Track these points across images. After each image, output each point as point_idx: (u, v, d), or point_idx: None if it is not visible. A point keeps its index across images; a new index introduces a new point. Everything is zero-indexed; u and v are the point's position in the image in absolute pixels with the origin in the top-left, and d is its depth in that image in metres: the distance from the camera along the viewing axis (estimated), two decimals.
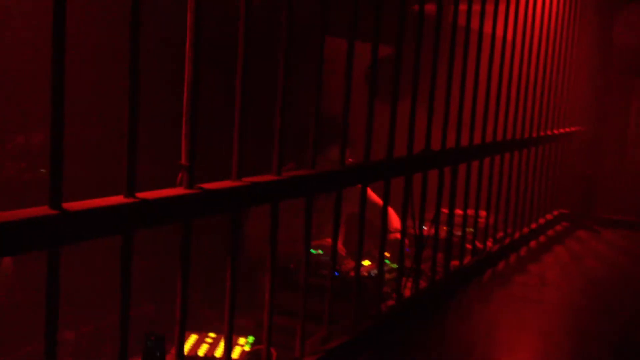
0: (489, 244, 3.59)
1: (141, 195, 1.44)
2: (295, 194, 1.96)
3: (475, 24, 3.09)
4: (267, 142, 2.00)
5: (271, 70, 1.92)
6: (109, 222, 1.36)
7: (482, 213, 3.54)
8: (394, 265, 2.76)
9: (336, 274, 2.89)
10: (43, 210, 1.25)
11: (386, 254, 3.01)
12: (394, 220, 3.34)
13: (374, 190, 3.02)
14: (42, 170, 3.55)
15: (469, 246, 3.35)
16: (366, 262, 2.95)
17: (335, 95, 2.27)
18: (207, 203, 1.59)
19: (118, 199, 1.40)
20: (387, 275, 2.83)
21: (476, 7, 3.06)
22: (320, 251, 2.95)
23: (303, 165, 2.10)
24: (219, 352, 2.20)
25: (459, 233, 3.22)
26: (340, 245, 3.37)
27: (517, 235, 3.90)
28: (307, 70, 2.10)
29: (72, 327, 3.43)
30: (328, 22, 2.04)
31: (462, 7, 2.96)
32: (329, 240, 3.08)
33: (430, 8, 2.73)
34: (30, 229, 1.22)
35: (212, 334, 2.37)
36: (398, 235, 3.06)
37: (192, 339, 2.37)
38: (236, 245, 1.74)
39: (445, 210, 3.07)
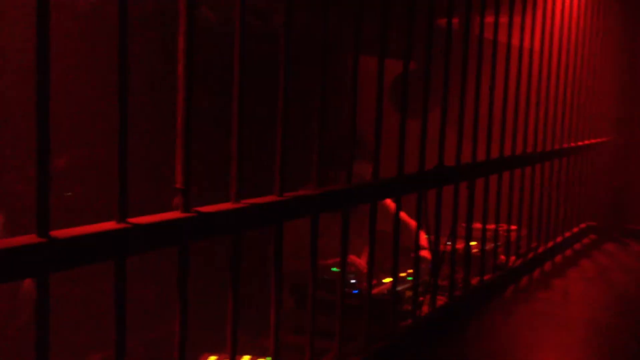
0: (512, 259, 3.53)
1: (133, 220, 1.43)
2: (299, 214, 1.94)
3: (489, 34, 3.06)
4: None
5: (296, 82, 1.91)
6: (99, 249, 1.36)
7: (504, 227, 3.49)
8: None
9: (356, 291, 2.87)
10: (30, 238, 1.25)
11: (409, 271, 2.99)
12: (421, 237, 3.31)
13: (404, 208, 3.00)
14: (69, 193, 3.60)
15: (491, 261, 3.30)
16: (387, 279, 2.92)
17: (361, 111, 2.26)
18: (203, 226, 1.58)
19: (110, 225, 1.40)
20: (408, 293, 2.79)
21: (489, 19, 3.03)
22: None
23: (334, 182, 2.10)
24: None
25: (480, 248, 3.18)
26: (363, 264, 3.34)
27: (541, 249, 3.83)
28: (332, 86, 2.09)
29: (98, 349, 3.45)
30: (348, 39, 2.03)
31: (478, 19, 2.94)
32: (352, 257, 3.07)
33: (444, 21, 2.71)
34: (17, 258, 1.22)
35: None
36: (423, 253, 3.03)
37: None
38: (238, 267, 1.73)
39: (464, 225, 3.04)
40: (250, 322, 2.52)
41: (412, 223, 3.38)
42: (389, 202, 3.33)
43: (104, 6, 3.14)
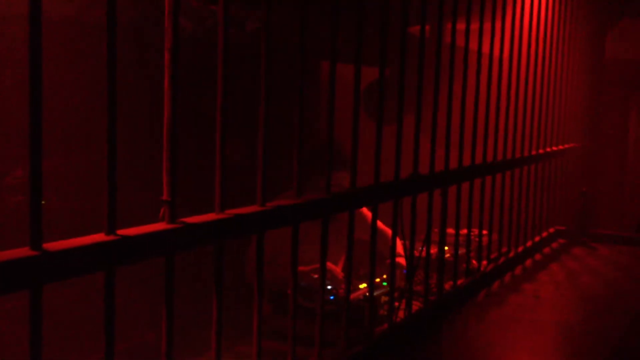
0: (484, 263, 3.60)
1: (122, 232, 1.46)
2: (281, 223, 1.99)
3: (461, 41, 3.13)
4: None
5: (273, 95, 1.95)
6: (90, 261, 1.39)
7: (475, 232, 3.56)
8: None
9: (332, 297, 2.92)
10: (24, 251, 1.28)
11: (384, 276, 3.05)
12: (397, 245, 3.37)
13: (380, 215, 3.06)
14: (42, 202, 3.60)
15: (463, 266, 3.37)
16: (363, 285, 2.98)
17: (339, 119, 2.31)
18: (189, 237, 1.62)
19: (99, 237, 1.43)
20: (384, 298, 2.85)
21: (460, 26, 3.10)
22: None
23: (311, 191, 2.13)
24: None
25: (453, 253, 3.25)
26: (339, 270, 3.40)
27: (511, 254, 3.91)
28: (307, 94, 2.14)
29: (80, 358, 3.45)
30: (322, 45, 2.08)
31: (449, 25, 3.00)
32: (328, 264, 3.12)
33: (415, 29, 2.77)
34: (11, 271, 1.24)
35: None
36: (399, 260, 3.08)
37: None
38: (221, 276, 1.77)
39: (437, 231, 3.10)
40: (228, 328, 2.55)
41: (388, 231, 3.45)
42: (365, 211, 3.39)
43: (87, 12, 3.16)
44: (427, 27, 2.84)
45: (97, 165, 1.61)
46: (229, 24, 1.77)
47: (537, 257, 4.24)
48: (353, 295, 2.75)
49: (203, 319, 2.90)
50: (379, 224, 3.37)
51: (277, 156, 2.32)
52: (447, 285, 3.19)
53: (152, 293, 3.34)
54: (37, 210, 1.29)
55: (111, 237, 1.44)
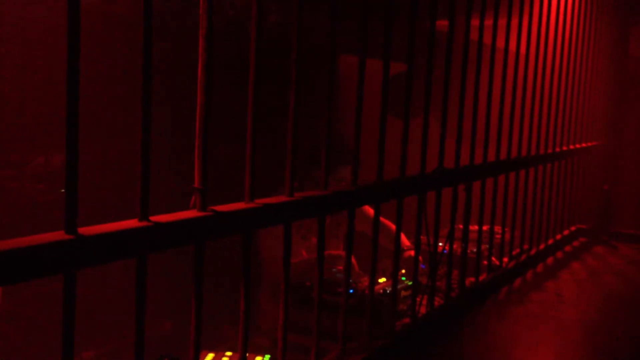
0: (505, 260, 3.58)
1: (155, 218, 1.46)
2: (308, 214, 1.98)
3: (488, 38, 3.11)
4: (279, 160, 2.02)
5: (284, 89, 1.94)
6: (123, 246, 1.39)
7: (498, 229, 3.54)
8: (410, 283, 2.77)
9: (351, 291, 2.91)
10: (59, 235, 1.28)
11: (402, 271, 3.04)
12: (403, 239, 3.35)
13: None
14: (62, 190, 3.61)
15: (485, 262, 3.35)
16: (382, 280, 2.97)
17: (347, 113, 2.30)
18: (219, 225, 1.61)
19: (132, 223, 1.43)
20: (403, 293, 2.84)
21: (488, 22, 3.07)
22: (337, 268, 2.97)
23: (310, 183, 2.10)
24: None
25: (475, 249, 3.23)
26: (353, 261, 3.38)
27: (533, 251, 3.89)
28: (319, 88, 2.13)
29: (91, 347, 3.46)
30: (338, 39, 2.07)
31: (475, 22, 2.98)
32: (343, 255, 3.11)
33: (443, 24, 2.75)
34: (46, 254, 1.24)
35: (229, 353, 2.39)
36: (412, 253, 3.06)
37: (209, 358, 2.39)
38: (249, 266, 1.76)
39: (460, 227, 3.08)
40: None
41: (392, 225, 3.43)
42: (368, 207, 3.38)
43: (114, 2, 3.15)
44: (446, 23, 2.82)
45: (126, 156, 1.61)
46: (262, 16, 1.76)
47: (559, 255, 4.21)
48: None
49: (219, 312, 2.90)
50: (383, 219, 3.36)
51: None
52: (469, 282, 3.18)
53: (169, 282, 3.35)
54: (72, 194, 1.28)
55: (144, 224, 1.43)
